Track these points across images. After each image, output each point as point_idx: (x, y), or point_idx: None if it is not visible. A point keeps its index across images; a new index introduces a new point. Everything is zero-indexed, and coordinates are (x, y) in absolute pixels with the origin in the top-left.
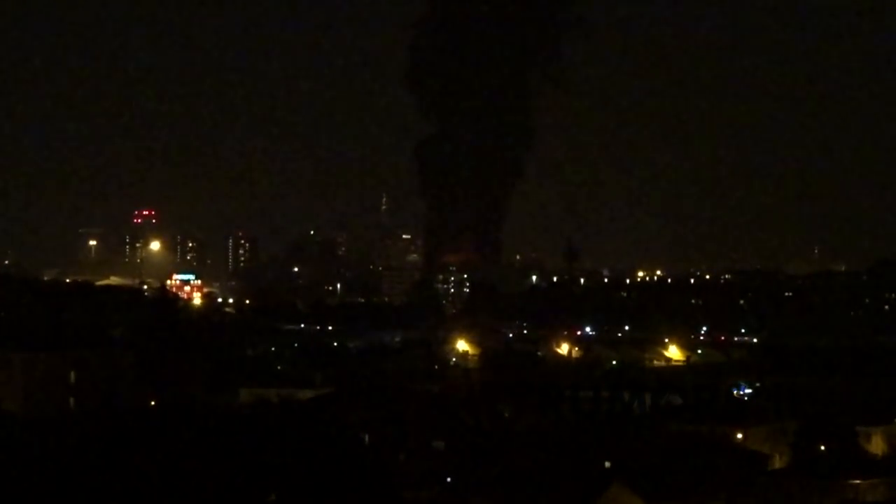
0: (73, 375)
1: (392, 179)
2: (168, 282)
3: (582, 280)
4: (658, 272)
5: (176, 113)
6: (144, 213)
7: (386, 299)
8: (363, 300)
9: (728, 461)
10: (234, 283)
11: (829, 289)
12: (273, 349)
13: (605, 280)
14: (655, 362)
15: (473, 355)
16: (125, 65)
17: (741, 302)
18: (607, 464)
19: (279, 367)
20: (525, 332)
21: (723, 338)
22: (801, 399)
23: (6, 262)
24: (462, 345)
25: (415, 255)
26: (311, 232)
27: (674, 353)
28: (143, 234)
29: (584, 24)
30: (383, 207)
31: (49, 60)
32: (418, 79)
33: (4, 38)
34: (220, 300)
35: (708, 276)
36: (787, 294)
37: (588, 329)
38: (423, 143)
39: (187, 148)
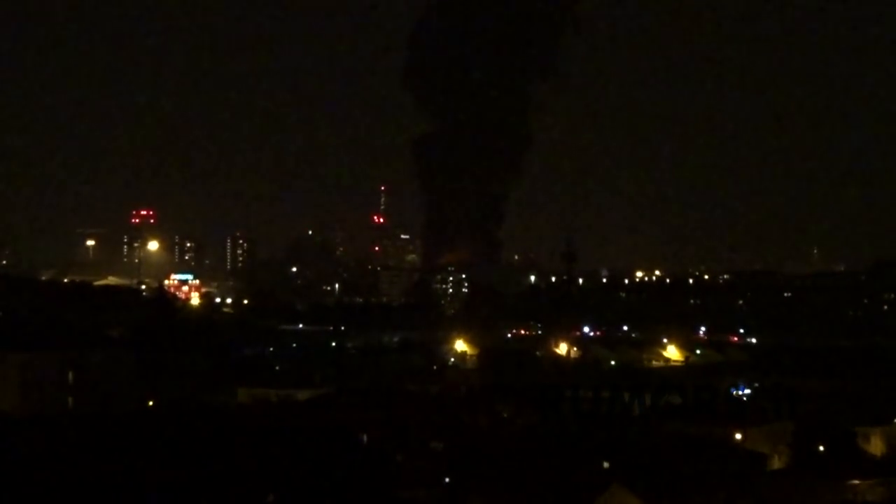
0: (71, 376)
1: (391, 180)
2: (166, 282)
3: (580, 280)
4: (657, 272)
5: (174, 113)
6: (142, 212)
7: (384, 299)
8: (361, 300)
9: (727, 461)
10: (232, 283)
11: (828, 289)
12: (271, 349)
13: (604, 280)
14: (654, 362)
15: (472, 355)
16: (124, 65)
17: (740, 302)
18: (606, 464)
19: (277, 368)
20: (540, 332)
21: (721, 338)
22: (800, 399)
23: (4, 261)
24: (460, 345)
25: (413, 256)
26: (310, 232)
27: (672, 353)
28: (142, 234)
29: (583, 23)
30: (381, 207)
31: (48, 60)
32: (417, 77)
33: (3, 37)
34: (218, 300)
35: (707, 277)
36: (786, 294)
37: (587, 329)
38: (420, 142)
39: (185, 148)
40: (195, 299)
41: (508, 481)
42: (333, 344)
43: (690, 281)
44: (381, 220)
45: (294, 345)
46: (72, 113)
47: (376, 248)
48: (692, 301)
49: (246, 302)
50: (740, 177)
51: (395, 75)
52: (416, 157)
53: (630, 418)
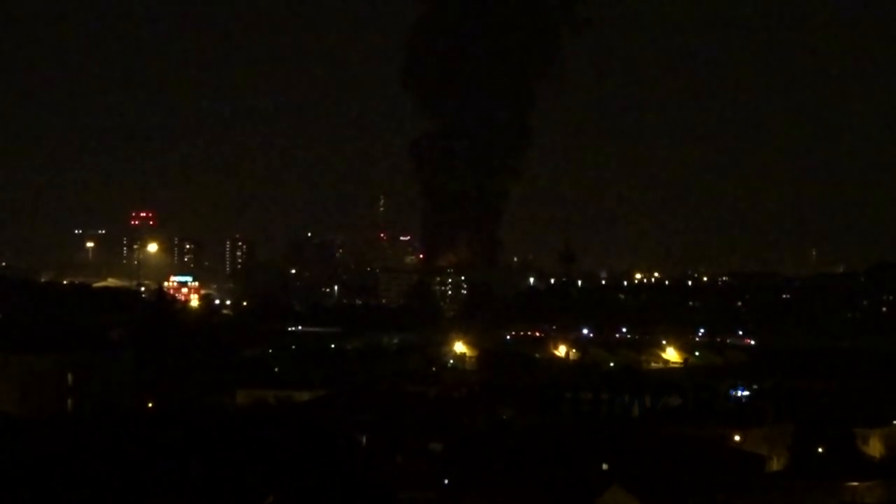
0: (70, 377)
1: (390, 181)
2: (165, 283)
3: (579, 282)
4: (656, 274)
5: (174, 115)
6: (142, 214)
7: (383, 301)
8: (360, 302)
9: (726, 463)
10: (231, 284)
11: (827, 291)
12: (270, 351)
13: (603, 282)
14: (653, 364)
15: (471, 357)
16: (123, 66)
17: (739, 304)
18: (605, 465)
19: (276, 369)
20: (554, 330)
21: (720, 340)
22: (799, 401)
23: (3, 263)
24: (459, 346)
25: (412, 257)
26: (309, 234)
27: (671, 354)
28: (141, 236)
29: (583, 24)
30: (381, 209)
31: (47, 61)
32: (415, 77)
33: (3, 37)
34: (217, 302)
35: (706, 278)
36: (784, 296)
37: (585, 331)
38: (419, 143)
39: (185, 150)
40: (194, 301)
41: (508, 483)
42: (332, 345)
43: (689, 282)
44: (381, 221)
45: (293, 346)
46: (71, 114)
47: (375, 250)
48: (691, 303)
49: (245, 304)
50: (739, 178)
51: (394, 76)
52: (415, 157)
53: (629, 420)
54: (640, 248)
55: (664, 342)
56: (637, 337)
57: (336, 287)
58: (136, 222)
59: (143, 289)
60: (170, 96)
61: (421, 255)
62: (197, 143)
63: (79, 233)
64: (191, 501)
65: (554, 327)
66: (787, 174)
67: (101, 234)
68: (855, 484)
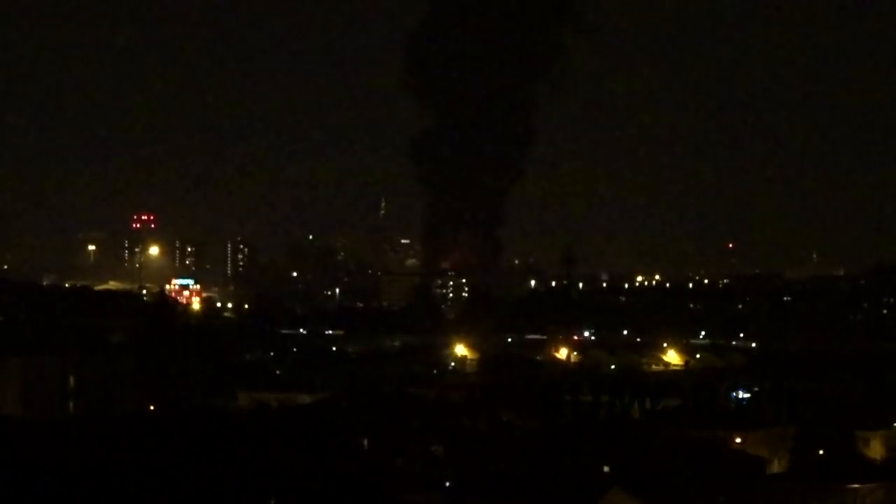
0: (71, 380)
1: (391, 184)
2: (167, 286)
3: (580, 284)
4: (657, 277)
5: (174, 117)
6: (143, 217)
7: (384, 304)
8: (362, 305)
9: (727, 465)
10: (232, 287)
11: (828, 293)
12: (272, 354)
13: (604, 284)
14: (654, 367)
15: (472, 360)
16: (123, 68)
17: (740, 306)
18: (606, 468)
19: (278, 372)
20: (594, 338)
21: (721, 342)
22: (800, 403)
23: (5, 266)
24: (461, 349)
25: (413, 260)
26: (310, 237)
27: (672, 357)
28: (142, 239)
29: (585, 25)
30: (382, 212)
31: (48, 63)
32: (416, 77)
33: (3, 39)
34: (218, 305)
35: (707, 281)
36: (785, 299)
37: (586, 333)
38: (419, 142)
39: (186, 152)
40: (196, 304)
41: (509, 485)
42: (334, 348)
43: (690, 285)
44: (382, 224)
45: (294, 349)
46: (72, 116)
47: (376, 253)
48: (692, 305)
49: (246, 306)
50: (740, 181)
51: (395, 79)
52: (416, 158)
53: (630, 422)
54: (641, 250)
55: (665, 344)
56: (638, 339)
57: (337, 290)
58: (138, 225)
59: (144, 292)
60: (170, 98)
61: (422, 258)
62: (198, 146)
63: (80, 236)
64: None
65: (557, 328)
66: (787, 177)
67: (103, 237)
68: (856, 486)
